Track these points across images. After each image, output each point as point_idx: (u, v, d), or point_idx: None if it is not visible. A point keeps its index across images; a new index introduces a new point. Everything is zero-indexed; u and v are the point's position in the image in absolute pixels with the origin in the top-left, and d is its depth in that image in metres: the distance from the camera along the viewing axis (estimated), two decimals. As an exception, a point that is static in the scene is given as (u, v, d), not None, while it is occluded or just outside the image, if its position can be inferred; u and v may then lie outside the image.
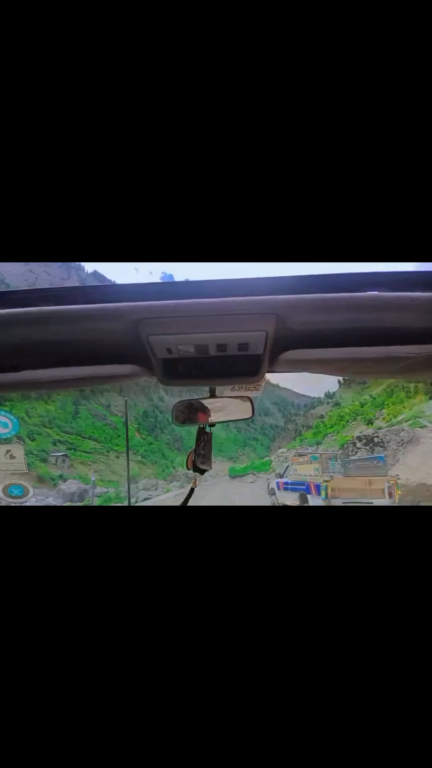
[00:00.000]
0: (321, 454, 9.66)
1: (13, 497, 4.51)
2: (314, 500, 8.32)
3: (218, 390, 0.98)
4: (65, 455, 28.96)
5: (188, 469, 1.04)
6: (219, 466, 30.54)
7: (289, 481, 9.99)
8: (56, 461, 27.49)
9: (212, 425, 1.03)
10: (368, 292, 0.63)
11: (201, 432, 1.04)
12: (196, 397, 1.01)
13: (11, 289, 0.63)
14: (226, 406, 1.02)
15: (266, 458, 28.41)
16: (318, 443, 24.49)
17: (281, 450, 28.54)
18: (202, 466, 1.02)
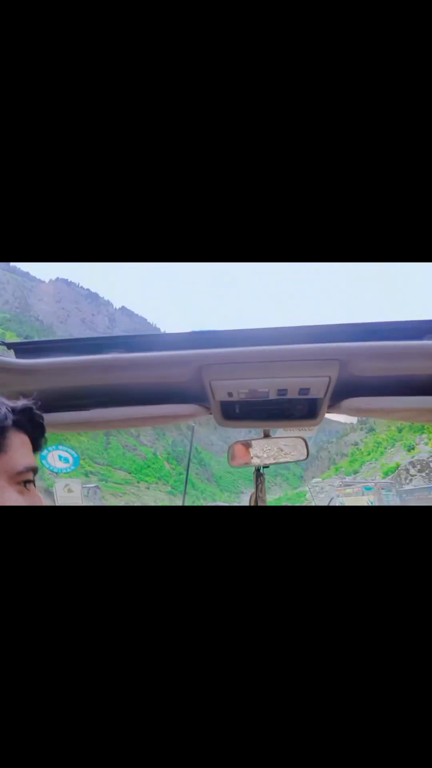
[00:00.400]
0: (376, 484, 7.41)
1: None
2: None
3: (272, 430, 0.97)
4: (96, 487, 28.93)
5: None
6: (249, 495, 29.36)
7: None
8: (88, 493, 27.46)
9: (266, 466, 1.03)
10: (429, 341, 0.63)
11: (258, 474, 1.04)
12: (247, 437, 1.00)
13: (86, 336, 0.71)
14: (281, 447, 1.01)
15: (300, 489, 27.07)
16: (355, 472, 23.16)
17: (316, 480, 27.16)
18: (261, 504, 1.06)
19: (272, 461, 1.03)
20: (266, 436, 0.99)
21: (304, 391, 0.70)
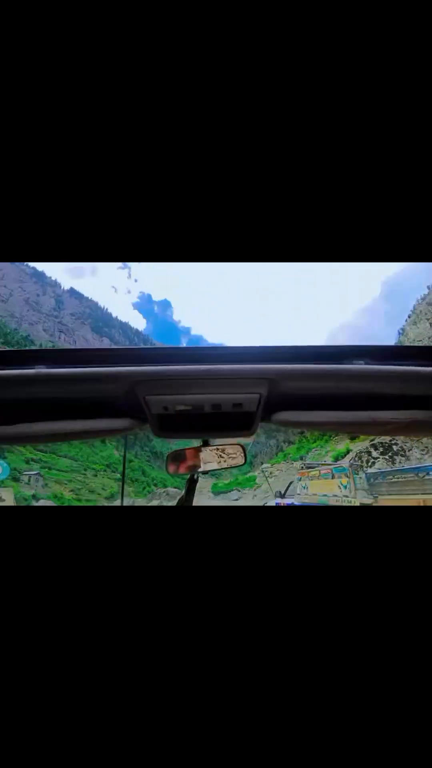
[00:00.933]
0: (351, 465, 5.80)
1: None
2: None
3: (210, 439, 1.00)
4: (39, 474, 27.20)
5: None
6: (202, 482, 29.61)
7: (297, 503, 6.83)
8: (29, 480, 25.71)
9: (206, 473, 1.04)
10: (353, 365, 0.68)
11: (190, 480, 1.05)
12: (186, 446, 0.99)
13: (8, 349, 0.66)
14: (220, 454, 1.02)
15: (250, 473, 27.71)
16: (302, 457, 24.11)
17: (265, 465, 27.98)
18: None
19: (211, 468, 1.04)
20: (205, 444, 1.00)
21: (237, 406, 0.72)
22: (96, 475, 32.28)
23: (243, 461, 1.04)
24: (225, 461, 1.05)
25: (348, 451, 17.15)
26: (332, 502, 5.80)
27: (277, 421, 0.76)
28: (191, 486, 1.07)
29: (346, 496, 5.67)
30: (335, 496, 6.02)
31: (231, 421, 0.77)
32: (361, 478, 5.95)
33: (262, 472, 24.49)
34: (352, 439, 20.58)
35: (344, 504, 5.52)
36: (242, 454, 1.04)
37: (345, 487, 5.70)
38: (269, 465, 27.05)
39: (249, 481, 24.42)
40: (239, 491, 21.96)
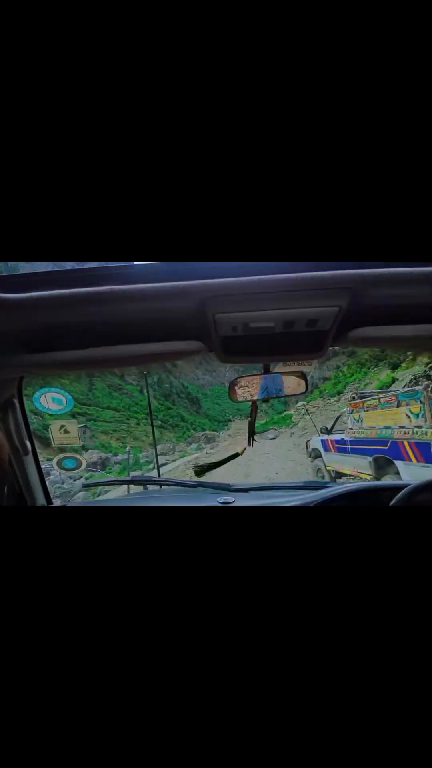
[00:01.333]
0: (427, 387, 4.33)
1: (67, 469, 4.47)
2: (412, 470, 4.20)
3: (271, 365, 0.96)
4: (85, 426, 28.90)
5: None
6: (238, 423, 30.33)
7: (348, 438, 5.80)
8: (77, 433, 27.41)
9: (266, 401, 1.04)
10: None
11: (254, 406, 1.07)
12: (247, 374, 0.97)
13: (72, 268, 0.62)
14: (280, 382, 0.99)
15: (285, 412, 27.83)
16: (339, 393, 23.66)
17: (300, 404, 27.92)
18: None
19: (273, 396, 1.01)
20: (266, 371, 0.97)
21: (312, 323, 0.66)
22: (138, 423, 33.86)
23: (305, 389, 1.02)
24: (287, 389, 1.00)
25: (393, 381, 16.42)
26: (398, 435, 4.48)
27: (354, 338, 0.70)
28: (253, 412, 1.09)
29: (419, 427, 4.24)
30: (403, 427, 4.51)
31: (299, 343, 0.71)
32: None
33: (297, 410, 24.48)
34: (394, 368, 19.64)
35: (416, 438, 4.22)
36: (304, 382, 1.01)
37: (417, 416, 4.29)
38: (305, 403, 26.94)
39: (285, 419, 24.59)
40: (276, 430, 22.24)
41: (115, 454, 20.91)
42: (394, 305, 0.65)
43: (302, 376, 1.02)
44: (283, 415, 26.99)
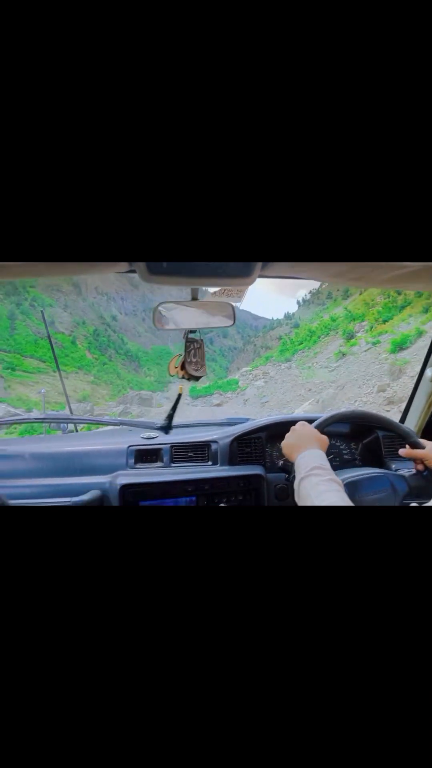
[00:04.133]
0: None
1: None
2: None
3: (199, 294, 0.90)
4: None
5: (177, 377, 1.00)
6: (180, 384, 27.38)
7: None
8: (-13, 382, 22.21)
9: (193, 331, 0.97)
10: None
11: (190, 340, 0.99)
12: (172, 300, 0.91)
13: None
14: (208, 312, 0.93)
15: (230, 378, 25.42)
16: (287, 360, 21.72)
17: (245, 369, 25.64)
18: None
19: (200, 326, 0.94)
20: (194, 299, 0.89)
21: None
22: (67, 378, 29.15)
23: (232, 321, 0.95)
24: (214, 320, 0.92)
25: (342, 355, 14.55)
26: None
27: (281, 265, 0.67)
28: (192, 345, 0.99)
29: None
30: None
31: (230, 267, 0.66)
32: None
33: (243, 375, 22.18)
34: (349, 339, 17.95)
35: None
36: (232, 313, 0.93)
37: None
38: (249, 369, 24.56)
39: (230, 384, 22.10)
40: (221, 394, 19.46)
41: (30, 410, 16.63)
42: None
43: (231, 307, 0.93)
44: (229, 379, 24.49)
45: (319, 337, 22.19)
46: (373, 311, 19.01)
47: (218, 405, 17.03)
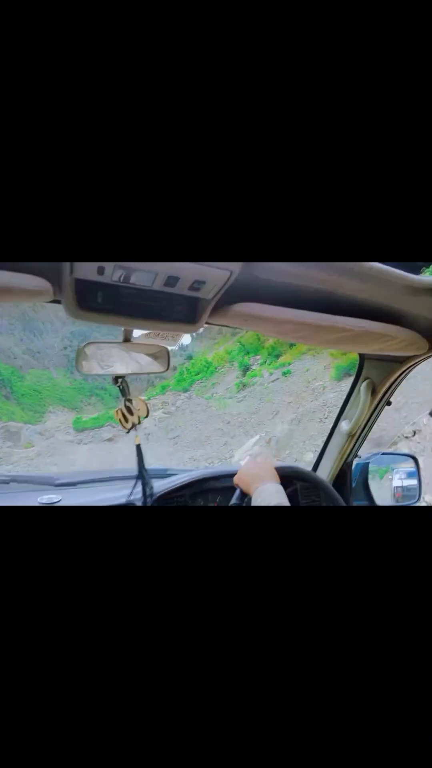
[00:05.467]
0: None
1: None
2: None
3: (133, 334, 0.79)
4: None
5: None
6: (61, 416, 23.58)
7: None
8: None
9: (121, 376, 0.88)
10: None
11: (120, 381, 0.88)
12: (103, 339, 0.79)
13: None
14: (141, 355, 0.84)
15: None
16: (185, 390, 21.16)
17: (140, 398, 23.76)
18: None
19: (131, 371, 0.85)
20: (126, 340, 0.80)
21: (197, 284, 0.54)
22: None
23: (167, 367, 0.87)
24: (146, 365, 0.83)
25: (243, 386, 14.58)
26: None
27: (236, 313, 0.61)
28: (125, 388, 0.88)
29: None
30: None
31: (174, 309, 0.57)
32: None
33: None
34: (245, 372, 18.27)
35: None
36: (166, 358, 0.86)
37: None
38: (144, 399, 22.85)
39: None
40: (114, 426, 16.98)
41: None
42: (282, 285, 0.57)
43: (167, 351, 0.85)
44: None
45: (215, 368, 22.36)
46: (267, 346, 20.01)
47: (110, 440, 14.61)
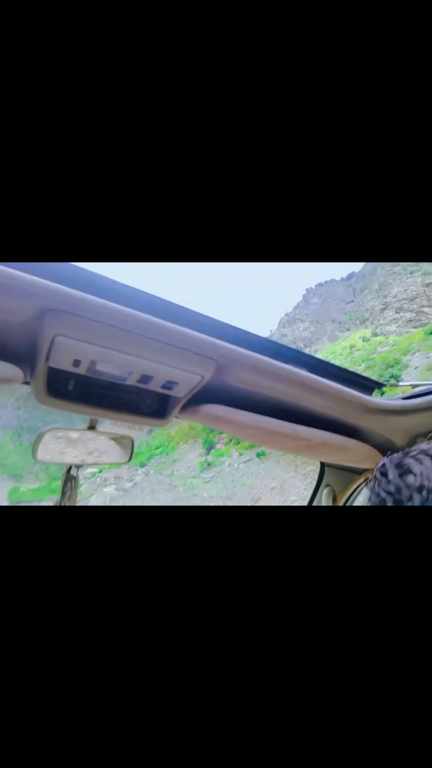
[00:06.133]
0: None
1: None
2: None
3: (98, 423, 0.77)
4: None
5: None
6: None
7: None
8: None
9: (80, 465, 0.84)
10: (299, 369, 0.60)
11: (68, 476, 0.82)
12: (62, 426, 0.75)
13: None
14: (104, 445, 0.81)
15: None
16: (142, 464, 20.17)
17: (90, 471, 22.18)
18: None
19: (92, 461, 0.82)
20: (91, 427, 0.76)
21: (169, 384, 0.56)
22: None
23: (129, 458, 0.84)
24: (108, 455, 0.81)
25: (208, 465, 14.19)
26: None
27: (204, 414, 0.63)
28: (69, 483, 0.81)
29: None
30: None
31: (144, 403, 0.59)
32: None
33: (85, 479, 18.90)
34: (210, 449, 17.91)
35: None
36: (130, 449, 0.83)
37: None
38: (97, 471, 21.40)
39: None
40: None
41: None
42: (248, 392, 0.60)
43: (131, 441, 0.82)
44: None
45: (177, 443, 21.77)
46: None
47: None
